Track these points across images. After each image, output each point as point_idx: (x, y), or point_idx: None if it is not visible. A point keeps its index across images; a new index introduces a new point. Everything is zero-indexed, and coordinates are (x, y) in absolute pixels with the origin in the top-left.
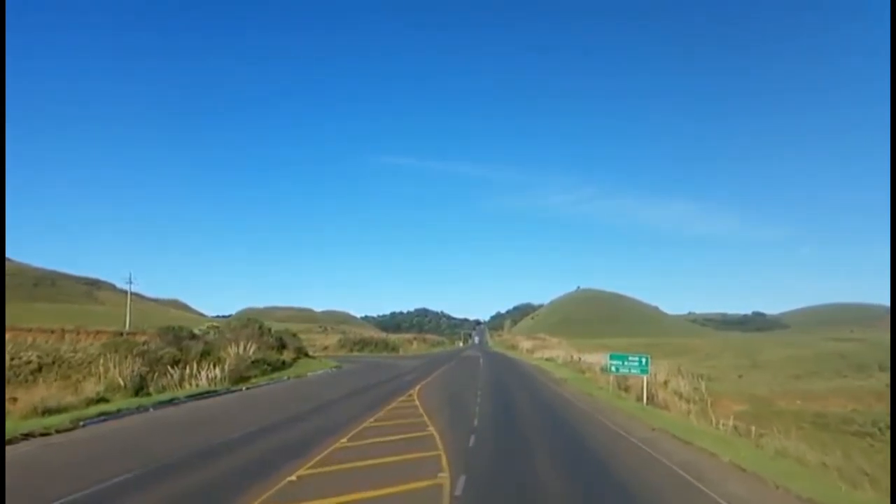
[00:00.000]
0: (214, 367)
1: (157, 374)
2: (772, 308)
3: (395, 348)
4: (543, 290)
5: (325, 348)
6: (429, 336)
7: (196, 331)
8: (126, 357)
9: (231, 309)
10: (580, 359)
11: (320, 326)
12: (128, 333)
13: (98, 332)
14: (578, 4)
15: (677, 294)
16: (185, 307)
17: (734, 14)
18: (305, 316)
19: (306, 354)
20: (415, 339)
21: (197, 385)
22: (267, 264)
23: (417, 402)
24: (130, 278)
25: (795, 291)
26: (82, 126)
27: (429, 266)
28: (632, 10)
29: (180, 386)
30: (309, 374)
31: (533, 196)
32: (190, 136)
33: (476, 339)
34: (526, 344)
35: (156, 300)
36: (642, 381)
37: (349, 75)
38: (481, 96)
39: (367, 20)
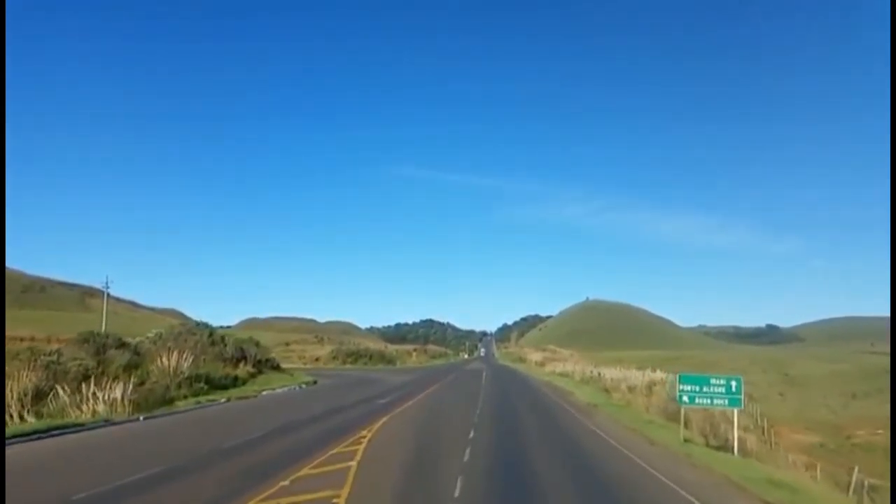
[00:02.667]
0: (113, 387)
1: (52, 393)
2: (784, 321)
3: (391, 360)
4: (551, 302)
5: (316, 360)
6: (431, 347)
7: (135, 339)
8: (24, 370)
9: (233, 319)
10: (600, 374)
11: (316, 337)
12: None
13: (68, 341)
14: (593, 15)
15: (687, 306)
16: (183, 316)
17: (749, 24)
18: (308, 326)
19: (276, 368)
20: (415, 350)
21: (93, 411)
22: (272, 275)
23: (360, 458)
24: (107, 282)
25: (807, 304)
26: (84, 132)
27: (436, 277)
28: (645, 21)
29: (78, 408)
30: (264, 393)
31: (542, 207)
32: (196, 143)
33: (482, 351)
34: (535, 356)
35: (152, 308)
36: (723, 415)
37: (357, 84)
38: (492, 106)
39: (379, 29)
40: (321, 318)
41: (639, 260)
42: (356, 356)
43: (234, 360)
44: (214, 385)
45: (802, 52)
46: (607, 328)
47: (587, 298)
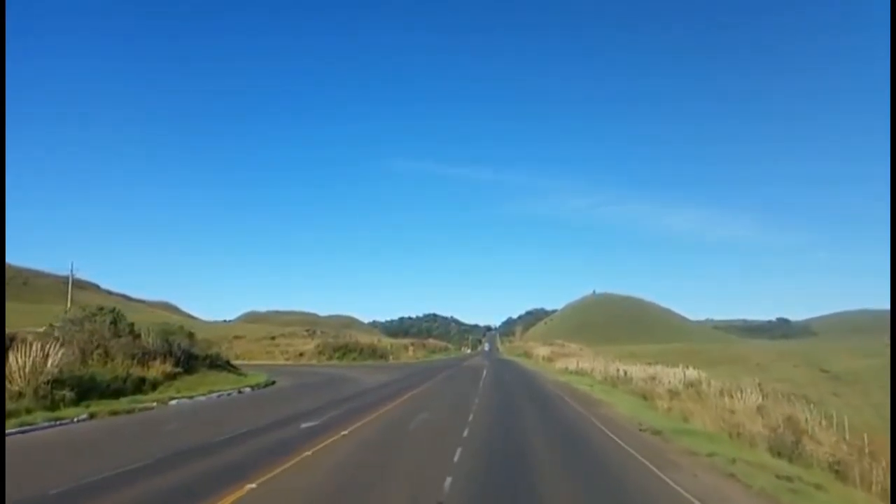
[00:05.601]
0: None
1: None
2: (791, 314)
3: (384, 355)
4: (556, 296)
5: (301, 355)
6: (430, 342)
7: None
8: None
9: (232, 314)
10: (626, 373)
11: (308, 330)
12: None
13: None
14: (595, 9)
15: (693, 300)
16: (176, 310)
17: (752, 20)
18: (308, 320)
19: (220, 365)
20: (412, 344)
21: None
22: (274, 270)
23: None
24: (72, 269)
25: (815, 297)
26: (81, 126)
27: (439, 271)
28: (648, 15)
29: None
30: (173, 402)
31: (547, 200)
32: (195, 139)
33: (486, 346)
34: (542, 351)
35: (144, 302)
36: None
37: (360, 77)
38: (496, 99)
39: (380, 23)
40: (322, 312)
41: (643, 254)
42: (344, 351)
43: (147, 356)
44: (102, 391)
45: (810, 42)
46: (615, 321)
47: (594, 292)
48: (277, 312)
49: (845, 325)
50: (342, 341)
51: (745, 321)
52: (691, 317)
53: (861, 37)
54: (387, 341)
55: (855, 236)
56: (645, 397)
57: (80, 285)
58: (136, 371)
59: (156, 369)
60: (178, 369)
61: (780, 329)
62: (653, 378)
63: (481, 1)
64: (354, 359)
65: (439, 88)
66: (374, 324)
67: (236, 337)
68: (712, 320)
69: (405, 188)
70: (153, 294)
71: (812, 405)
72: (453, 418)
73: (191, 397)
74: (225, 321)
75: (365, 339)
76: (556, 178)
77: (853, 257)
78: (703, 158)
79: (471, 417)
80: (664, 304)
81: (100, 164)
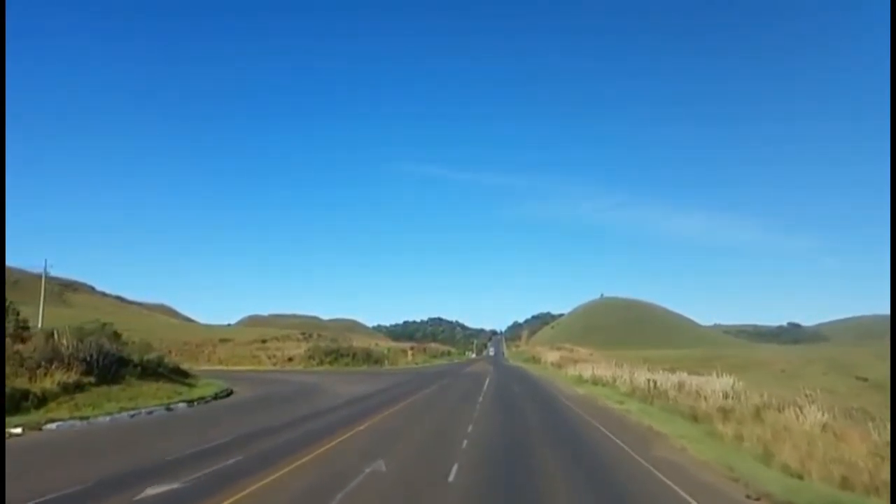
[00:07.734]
0: None
1: None
2: (801, 319)
3: (379, 360)
4: (563, 300)
5: (290, 360)
6: (432, 346)
7: None
8: None
9: (233, 317)
10: (657, 384)
11: (303, 334)
12: None
13: None
14: (601, 12)
15: (701, 304)
16: (174, 312)
17: (759, 18)
18: (310, 324)
19: (165, 372)
20: (411, 349)
21: None
22: (277, 272)
23: None
24: (46, 266)
25: (825, 302)
26: (81, 127)
27: (445, 275)
28: (654, 18)
29: None
30: (49, 426)
31: (554, 204)
32: (198, 141)
33: (491, 351)
34: (551, 356)
35: (140, 304)
36: None
37: (364, 79)
38: (501, 103)
39: (388, 26)
40: (325, 316)
41: (650, 257)
42: (336, 355)
43: (52, 362)
44: None
45: (816, 48)
46: (624, 325)
47: (602, 295)
48: (279, 316)
49: (857, 330)
50: (334, 345)
51: (754, 326)
52: (700, 321)
53: (866, 37)
54: (384, 345)
55: (865, 241)
56: (695, 418)
57: (75, 287)
58: (21, 382)
59: (51, 379)
60: (90, 378)
61: (791, 334)
62: (681, 387)
63: (488, 4)
64: (347, 364)
65: (443, 91)
66: (379, 328)
67: (222, 340)
68: (721, 325)
69: (410, 191)
70: (153, 297)
71: (863, 417)
72: (424, 473)
73: (86, 418)
74: (228, 325)
75: (360, 343)
76: (563, 182)
77: (864, 262)
78: (711, 162)
79: (453, 473)
80: (672, 308)
81: (100, 164)
